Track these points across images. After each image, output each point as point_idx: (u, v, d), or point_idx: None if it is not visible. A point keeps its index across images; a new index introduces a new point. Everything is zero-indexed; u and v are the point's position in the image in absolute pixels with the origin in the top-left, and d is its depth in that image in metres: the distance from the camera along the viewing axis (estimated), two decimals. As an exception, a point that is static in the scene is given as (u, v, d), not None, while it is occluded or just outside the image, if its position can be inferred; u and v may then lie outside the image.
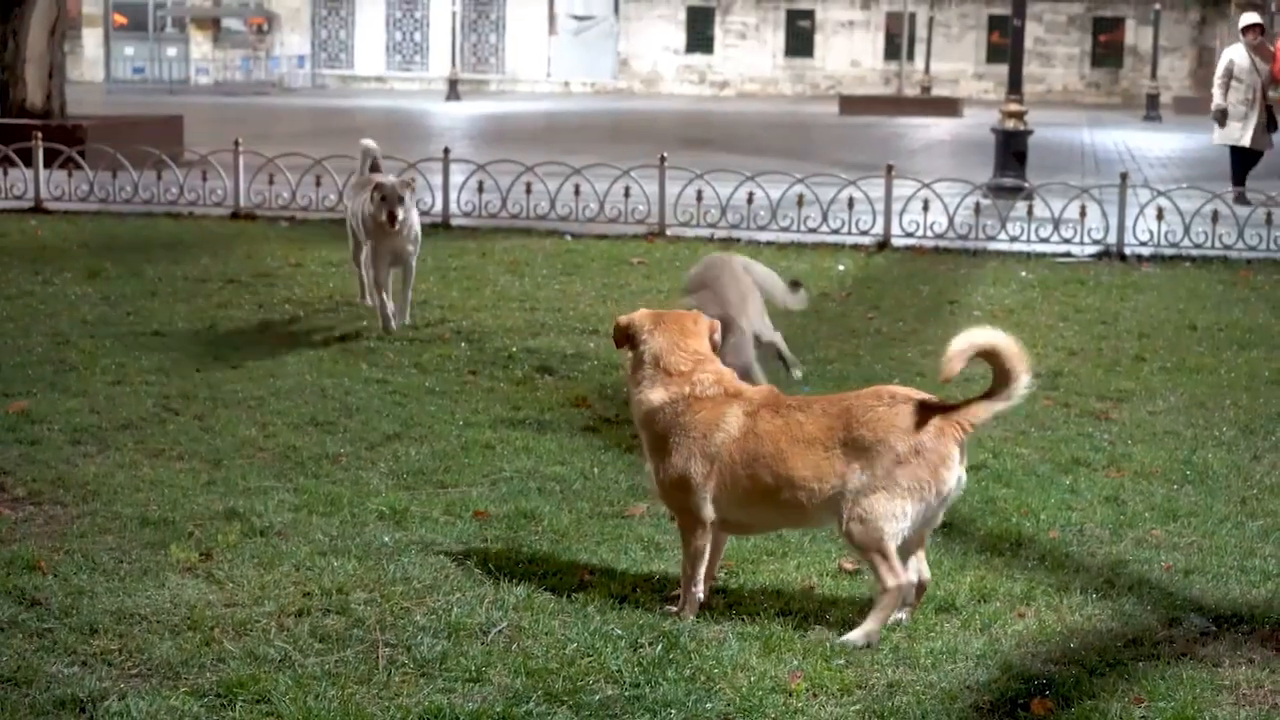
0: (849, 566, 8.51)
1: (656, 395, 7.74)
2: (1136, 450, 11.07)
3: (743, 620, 7.71)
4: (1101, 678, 7.13)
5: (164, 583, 8.07)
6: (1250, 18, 29.95)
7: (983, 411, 7.67)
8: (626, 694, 6.85)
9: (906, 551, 7.69)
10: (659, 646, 7.34)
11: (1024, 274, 19.44)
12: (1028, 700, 6.85)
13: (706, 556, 7.76)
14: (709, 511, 7.67)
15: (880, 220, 21.84)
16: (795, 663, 7.21)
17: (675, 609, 7.65)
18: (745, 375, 10.27)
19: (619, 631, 7.50)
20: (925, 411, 7.61)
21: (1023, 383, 7.62)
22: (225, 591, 8.00)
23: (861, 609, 7.88)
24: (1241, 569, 8.54)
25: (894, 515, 7.50)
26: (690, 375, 7.75)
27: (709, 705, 6.75)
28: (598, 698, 6.79)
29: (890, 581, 7.51)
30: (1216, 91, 28.91)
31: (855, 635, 7.51)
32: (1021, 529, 9.17)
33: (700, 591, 7.71)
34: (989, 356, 7.63)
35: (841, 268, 19.94)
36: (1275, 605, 8.02)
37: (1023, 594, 8.12)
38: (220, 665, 7.09)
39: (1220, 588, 8.28)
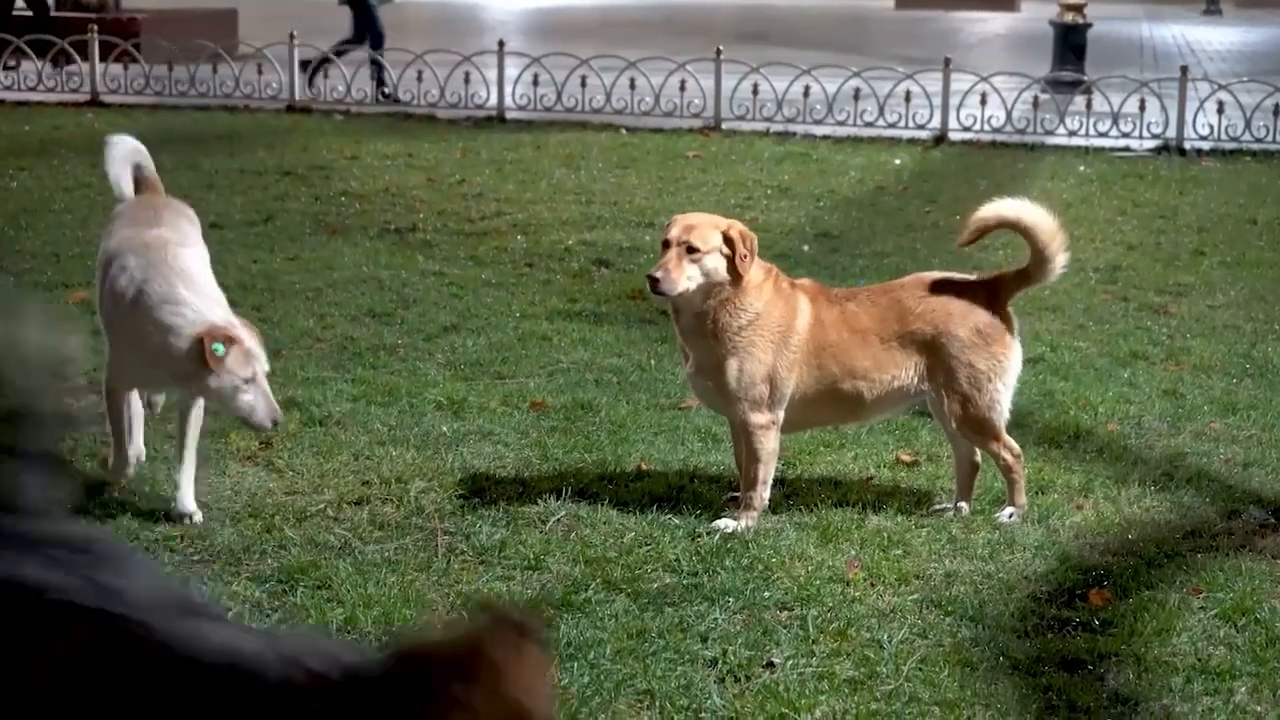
0: (906, 458, 8.51)
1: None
2: (1195, 344, 11.00)
3: (800, 511, 7.72)
4: (1159, 569, 7.12)
5: (225, 471, 8.12)
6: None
7: (1018, 287, 7.70)
8: (684, 583, 6.87)
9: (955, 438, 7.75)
10: (716, 536, 7.34)
11: (1082, 168, 19.27)
12: (1085, 591, 6.85)
13: (777, 458, 7.73)
14: (782, 411, 7.64)
15: (937, 114, 21.64)
16: (853, 552, 7.22)
17: (737, 515, 7.58)
18: None
19: (676, 521, 7.52)
20: (971, 292, 7.64)
21: (1058, 261, 7.62)
22: (285, 480, 8.04)
23: (918, 500, 7.89)
24: (1301, 463, 8.49)
25: (991, 398, 7.64)
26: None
27: (766, 594, 6.76)
28: (655, 586, 6.81)
29: (1010, 458, 7.71)
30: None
31: (1008, 512, 7.72)
32: (1079, 422, 9.13)
33: (767, 495, 7.66)
34: (1022, 231, 7.64)
35: (898, 162, 19.81)
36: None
37: (1081, 486, 8.10)
38: (281, 552, 7.14)
39: (1280, 481, 8.24)
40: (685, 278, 7.34)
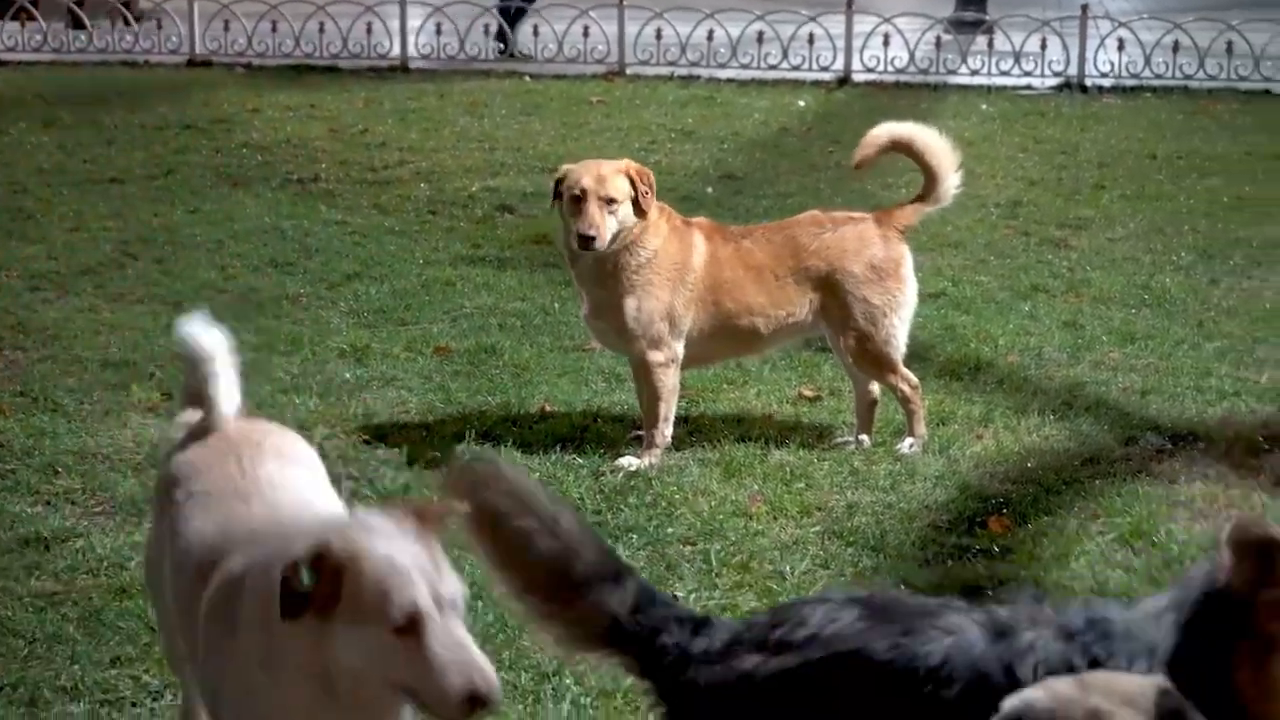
0: (808, 393, 8.55)
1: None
2: (1095, 276, 11.11)
3: (703, 447, 7.76)
4: (1058, 495, 7.19)
5: (126, 423, 8.06)
6: None
7: (913, 214, 7.74)
8: (589, 520, 6.86)
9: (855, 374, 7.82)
10: (620, 474, 7.37)
11: (984, 107, 19.37)
12: (985, 519, 6.92)
13: (677, 395, 7.75)
14: (681, 347, 7.66)
15: (840, 56, 21.65)
16: (755, 487, 7.27)
17: (640, 453, 7.60)
18: None
19: (580, 461, 7.54)
20: (865, 228, 7.70)
21: (950, 182, 7.67)
22: (187, 430, 7.97)
23: (820, 434, 7.94)
24: (1198, 389, 8.60)
25: (887, 332, 7.70)
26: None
27: (670, 530, 6.80)
28: (560, 523, 6.80)
29: (909, 390, 7.78)
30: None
31: (908, 444, 7.78)
32: (980, 354, 9.21)
33: (669, 433, 7.68)
34: (913, 153, 7.69)
35: (802, 104, 19.82)
36: (1230, 422, 8.06)
37: (981, 417, 8.17)
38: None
39: (1176, 407, 8.34)
40: (609, 230, 7.35)
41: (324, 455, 7.44)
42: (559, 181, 7.57)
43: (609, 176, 7.45)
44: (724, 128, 17.81)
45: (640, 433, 7.75)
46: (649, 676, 3.88)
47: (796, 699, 3.68)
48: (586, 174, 7.46)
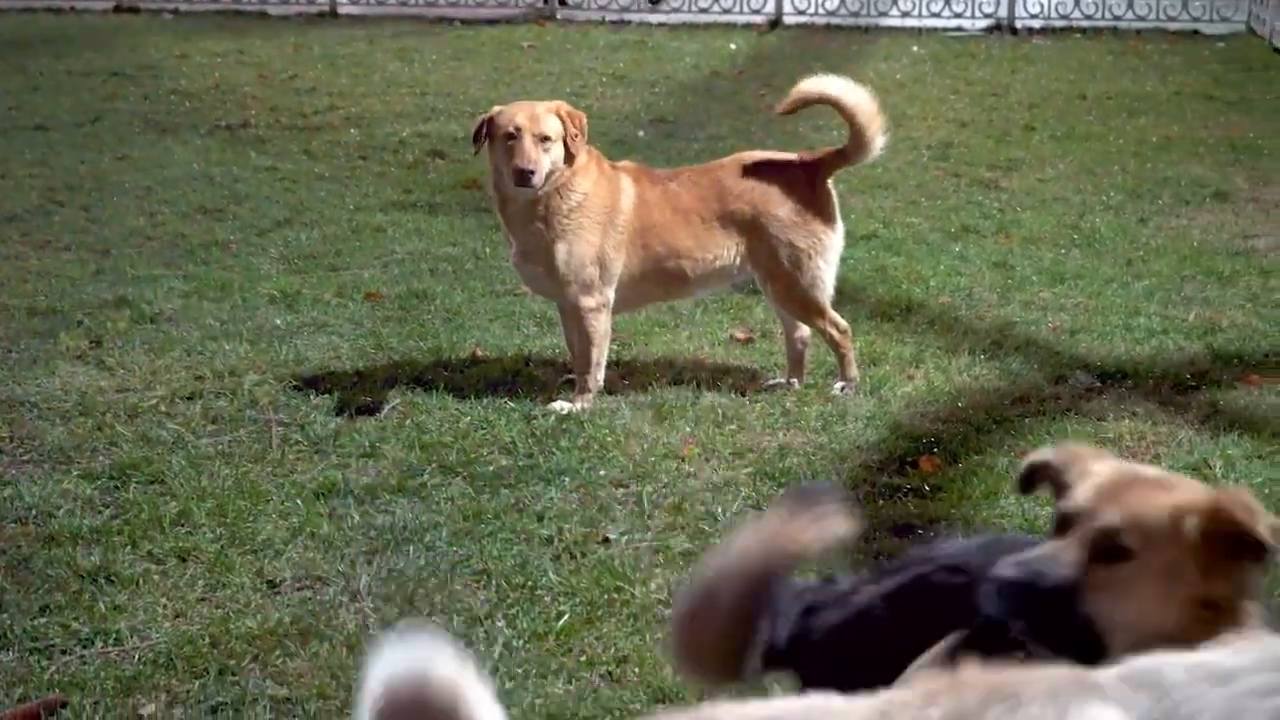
0: (741, 336, 8.55)
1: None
2: (1025, 216, 11.14)
3: (635, 391, 7.76)
4: (988, 434, 7.22)
5: (54, 371, 7.99)
6: None
7: (836, 166, 7.74)
8: (520, 464, 6.88)
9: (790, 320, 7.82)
10: (552, 418, 7.35)
11: (915, 49, 19.40)
12: (916, 458, 6.94)
13: (609, 339, 7.74)
14: (612, 291, 7.64)
15: (772, -1, 21.63)
16: (687, 429, 7.26)
17: (572, 397, 7.59)
18: None
19: (512, 405, 7.52)
20: (791, 172, 7.69)
21: (876, 143, 7.67)
22: (116, 378, 7.93)
23: (752, 376, 7.96)
24: (1126, 327, 8.64)
25: (813, 276, 7.61)
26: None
27: (602, 472, 6.79)
28: (491, 469, 6.82)
29: (837, 334, 7.76)
30: None
31: (839, 385, 7.79)
32: (911, 295, 9.23)
33: (601, 377, 7.67)
34: (842, 111, 7.69)
35: (733, 47, 19.81)
36: (1158, 361, 8.11)
37: (912, 357, 8.20)
38: (113, 449, 7.05)
39: (1105, 345, 8.38)
40: (544, 168, 7.32)
41: (254, 402, 7.50)
42: (487, 123, 7.50)
43: (542, 115, 7.41)
44: (655, 71, 17.78)
45: (572, 376, 7.74)
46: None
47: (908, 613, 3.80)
48: (520, 112, 7.42)
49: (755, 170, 7.74)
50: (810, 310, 7.70)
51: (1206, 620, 3.28)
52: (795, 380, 7.83)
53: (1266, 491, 6.50)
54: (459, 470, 6.80)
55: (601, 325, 7.60)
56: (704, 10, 21.62)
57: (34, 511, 6.44)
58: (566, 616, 5.59)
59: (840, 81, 7.78)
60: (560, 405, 7.50)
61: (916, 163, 12.82)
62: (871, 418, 7.38)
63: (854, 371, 7.77)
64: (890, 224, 10.85)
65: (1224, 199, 11.70)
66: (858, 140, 7.66)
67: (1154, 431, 7.21)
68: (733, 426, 7.29)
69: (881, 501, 6.54)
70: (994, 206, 11.47)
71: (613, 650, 5.36)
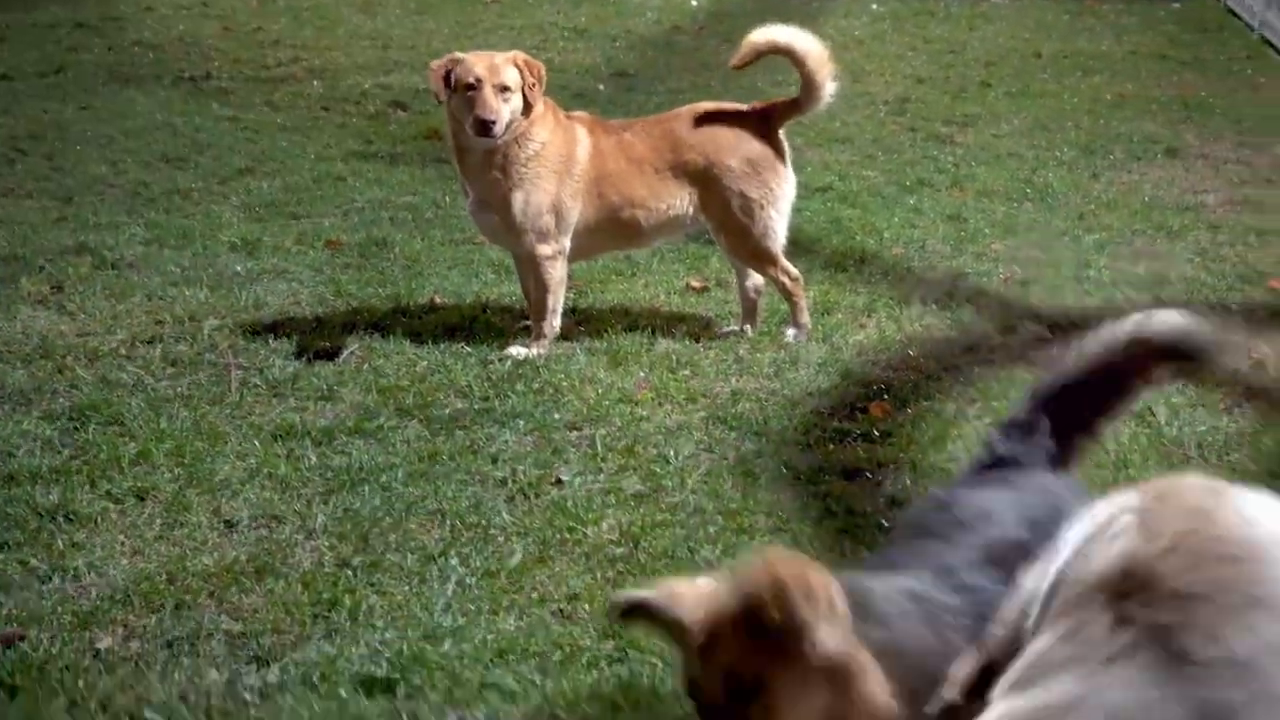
0: (696, 284, 8.58)
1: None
2: (979, 171, 11.19)
3: (591, 337, 7.78)
4: (938, 382, 7.27)
5: (15, 315, 7.99)
6: None
7: (788, 116, 7.76)
8: (476, 407, 6.90)
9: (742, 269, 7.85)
10: (508, 362, 7.38)
11: (875, 6, 19.43)
12: (866, 404, 6.98)
13: (565, 287, 7.75)
14: (568, 240, 7.66)
15: (734, -45, 21.57)
16: (642, 374, 7.29)
17: (528, 343, 7.61)
18: None
19: (469, 350, 7.54)
20: (742, 122, 7.71)
21: (827, 89, 7.69)
22: (77, 322, 7.93)
23: (706, 324, 7.98)
24: (1077, 279, 8.70)
25: (765, 225, 7.64)
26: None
27: (556, 416, 6.82)
28: (447, 411, 6.84)
29: (789, 282, 7.79)
30: None
31: (791, 333, 7.81)
32: (865, 246, 9.27)
33: (557, 323, 7.69)
34: (793, 58, 7.70)
35: (695, 2, 19.76)
36: (1107, 313, 8.09)
37: (865, 306, 8.23)
38: (73, 391, 7.05)
39: (1055, 297, 8.42)
40: (505, 117, 7.32)
41: (214, 346, 7.50)
42: (448, 73, 7.49)
43: (501, 65, 7.41)
44: (616, 26, 17.78)
45: (528, 323, 7.75)
46: None
47: None
48: (480, 63, 7.42)
49: (708, 120, 7.76)
50: (762, 259, 7.73)
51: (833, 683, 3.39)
52: (749, 327, 7.86)
53: (1209, 440, 6.56)
54: (415, 413, 6.82)
55: (557, 273, 7.62)
56: (666, -34, 21.53)
57: (-6, 451, 6.45)
58: (519, 555, 5.62)
59: (789, 29, 7.79)
60: (516, 350, 7.52)
61: (874, 118, 12.86)
62: (823, 364, 7.42)
63: (806, 319, 7.81)
64: (846, 177, 10.88)
65: (1175, 155, 11.77)
66: (808, 87, 7.68)
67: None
68: (686, 372, 7.32)
69: (832, 446, 6.58)
70: (949, 161, 11.51)
71: (564, 588, 5.40)
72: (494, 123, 7.28)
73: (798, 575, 3.33)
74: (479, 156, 7.50)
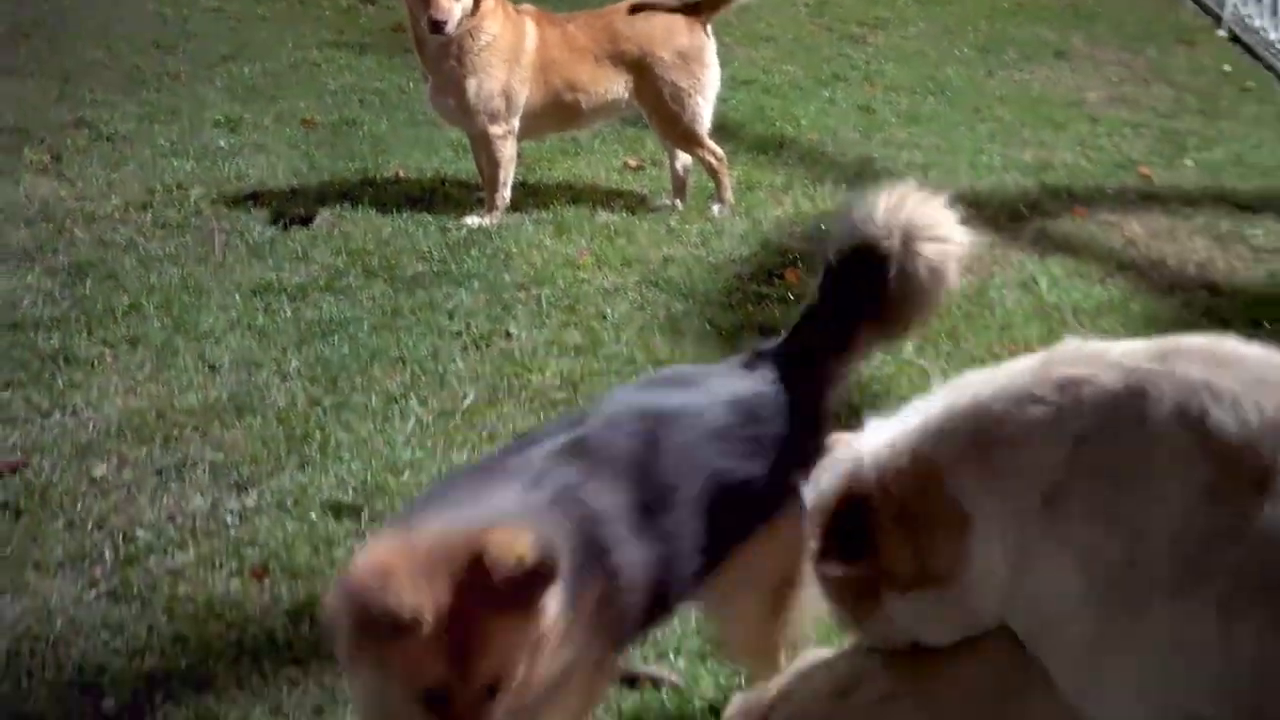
0: (633, 164, 8.55)
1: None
2: (888, 68, 11.13)
3: (538, 209, 7.75)
4: (847, 252, 7.24)
5: (19, 182, 7.91)
6: None
7: (717, 8, 7.73)
8: (435, 269, 6.90)
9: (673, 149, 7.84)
10: (464, 230, 7.37)
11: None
12: (782, 270, 6.98)
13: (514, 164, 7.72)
14: (517, 121, 7.63)
15: None
16: (583, 242, 7.28)
17: (482, 213, 7.60)
18: None
19: (429, 218, 7.53)
20: (673, 17, 7.69)
21: None
22: (75, 189, 7.87)
23: (642, 199, 7.98)
24: (971, 164, 8.70)
25: (693, 112, 7.64)
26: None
27: (506, 277, 6.82)
28: (409, 272, 6.83)
29: (714, 161, 7.78)
30: None
31: (716, 208, 7.79)
32: (784, 132, 9.24)
33: (508, 196, 7.66)
34: None
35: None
36: (997, 193, 8.19)
37: (783, 185, 8.23)
38: (72, 249, 7.02)
39: (952, 179, 8.40)
40: (456, 16, 7.25)
41: (199, 212, 7.46)
42: None
43: None
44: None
45: (482, 195, 7.73)
46: None
47: None
48: None
49: (643, 15, 7.73)
50: (691, 141, 7.72)
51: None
52: (679, 202, 7.86)
53: (1083, 305, 6.62)
54: (380, 273, 6.81)
55: (508, 151, 7.60)
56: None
57: (1, 303, 6.41)
58: (471, 398, 5.65)
59: None
60: (471, 220, 7.51)
61: (795, 18, 12.76)
62: (745, 235, 7.44)
63: (729, 195, 7.81)
64: (769, 71, 10.82)
65: (1062, 57, 11.74)
66: None
67: (990, 252, 7.27)
68: (623, 240, 7.32)
69: (751, 307, 6.60)
70: (861, 58, 11.45)
71: (511, 426, 5.43)
72: (445, 22, 7.23)
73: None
74: (436, 48, 7.44)
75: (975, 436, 2.82)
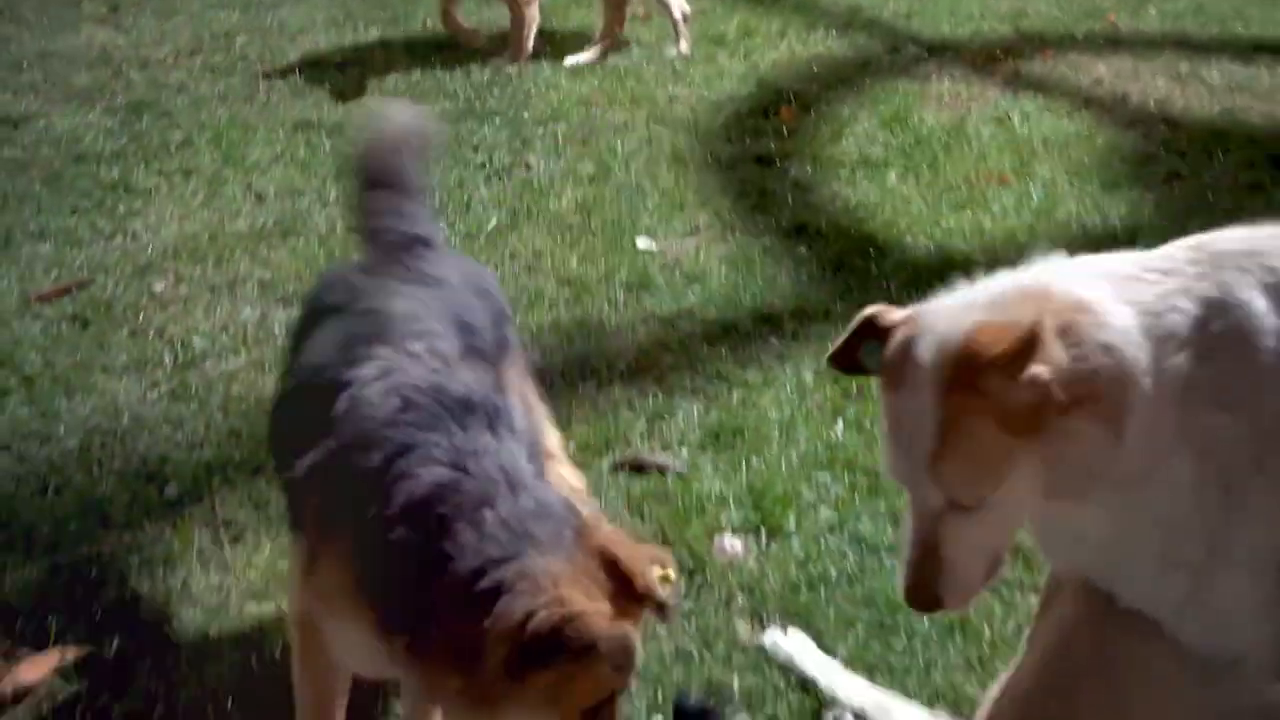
0: (642, 13, 8.35)
1: None
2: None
3: (556, 56, 7.61)
4: (835, 90, 7.13)
5: (79, 31, 7.79)
6: None
7: None
8: (461, 107, 6.79)
9: None
10: (488, 71, 7.23)
11: None
12: (778, 107, 6.86)
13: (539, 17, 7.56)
14: None
15: None
16: (596, 83, 7.14)
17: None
18: None
19: (456, 62, 7.39)
20: None
21: None
22: (131, 37, 7.73)
23: (652, 46, 7.84)
24: (951, 12, 8.52)
25: None
26: None
27: (526, 114, 6.70)
28: (437, 109, 6.71)
29: (677, 8, 7.61)
30: None
31: (679, 46, 7.62)
32: (780, -16, 9.03)
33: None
34: None
35: None
36: (975, 38, 8.02)
37: (779, 30, 8.05)
38: (129, 91, 6.91)
39: (933, 25, 8.28)
40: None
41: (244, 57, 7.30)
42: None
43: None
44: None
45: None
46: None
47: None
48: None
49: None
50: None
51: None
52: (684, 45, 7.70)
53: (1052, 137, 6.50)
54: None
55: (531, 11, 7.46)
56: None
57: (64, 138, 6.32)
58: (494, 221, 5.56)
59: None
60: (497, 63, 7.36)
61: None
62: (744, 77, 7.29)
63: (685, 45, 7.62)
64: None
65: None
66: None
67: (968, 91, 7.14)
68: (632, 81, 7.18)
69: (748, 140, 6.48)
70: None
71: (530, 247, 5.36)
72: None
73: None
74: None
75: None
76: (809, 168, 6.17)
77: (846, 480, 4.04)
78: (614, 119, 6.68)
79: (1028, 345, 2.25)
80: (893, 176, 6.06)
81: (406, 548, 2.55)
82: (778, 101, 6.93)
